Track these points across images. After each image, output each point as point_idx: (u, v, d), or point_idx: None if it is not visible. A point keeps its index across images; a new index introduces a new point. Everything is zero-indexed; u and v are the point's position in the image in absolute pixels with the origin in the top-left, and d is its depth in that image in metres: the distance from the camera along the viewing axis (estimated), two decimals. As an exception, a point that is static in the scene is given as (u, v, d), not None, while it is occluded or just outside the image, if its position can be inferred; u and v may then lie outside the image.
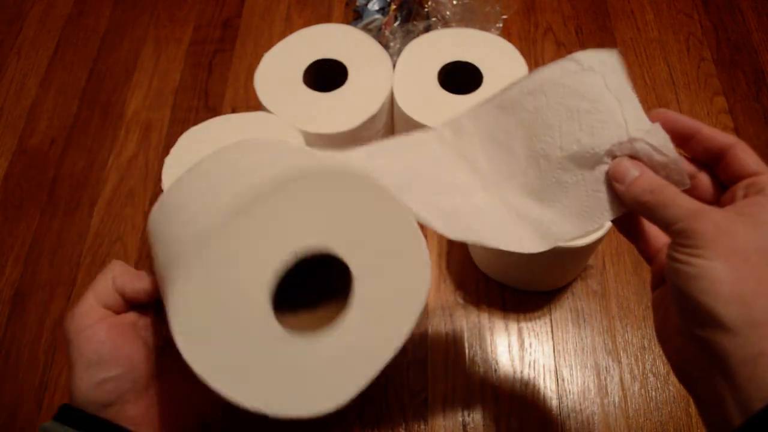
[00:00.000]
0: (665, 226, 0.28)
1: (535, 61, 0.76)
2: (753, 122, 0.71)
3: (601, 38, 0.78)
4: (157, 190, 0.68)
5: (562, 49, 0.77)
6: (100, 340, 0.32)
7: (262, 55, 0.62)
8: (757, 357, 0.24)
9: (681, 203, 0.28)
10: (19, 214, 0.67)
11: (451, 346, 0.58)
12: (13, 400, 0.56)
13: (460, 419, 0.54)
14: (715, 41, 0.77)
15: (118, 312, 0.34)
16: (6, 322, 0.60)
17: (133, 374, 0.33)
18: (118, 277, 0.34)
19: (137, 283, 0.34)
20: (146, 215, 0.66)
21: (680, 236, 0.27)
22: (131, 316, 0.35)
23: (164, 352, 0.36)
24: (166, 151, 0.57)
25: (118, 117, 0.74)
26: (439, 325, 0.59)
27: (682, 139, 0.31)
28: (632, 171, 0.30)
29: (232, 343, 0.29)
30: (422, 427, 0.54)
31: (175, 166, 0.56)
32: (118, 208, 0.67)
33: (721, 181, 0.31)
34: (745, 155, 0.30)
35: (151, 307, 0.36)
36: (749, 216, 0.27)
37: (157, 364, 0.35)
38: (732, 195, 0.30)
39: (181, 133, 0.58)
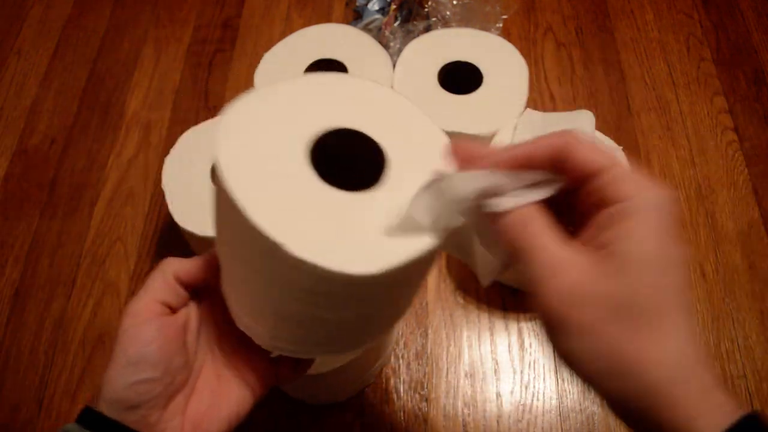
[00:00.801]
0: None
1: (534, 61, 0.76)
2: (753, 122, 0.71)
3: (602, 38, 0.78)
4: (157, 190, 0.68)
5: (562, 49, 0.77)
6: (146, 340, 0.32)
7: (262, 55, 0.62)
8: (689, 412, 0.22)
9: (537, 257, 0.25)
10: (19, 214, 0.67)
11: (451, 346, 0.58)
12: (13, 400, 0.56)
13: (460, 419, 0.54)
14: (715, 41, 0.77)
15: (174, 309, 0.34)
16: (6, 322, 0.60)
17: (168, 380, 0.32)
18: (175, 264, 0.34)
19: (192, 262, 0.35)
20: (146, 215, 0.66)
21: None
22: (182, 318, 0.34)
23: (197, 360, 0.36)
24: (166, 151, 0.57)
25: (118, 117, 0.74)
26: (439, 325, 0.59)
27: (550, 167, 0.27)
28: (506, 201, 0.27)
29: (269, 178, 0.29)
30: (422, 426, 0.54)
31: (175, 166, 0.56)
32: (118, 208, 0.67)
33: (587, 206, 0.27)
34: (617, 179, 0.25)
35: (207, 293, 0.36)
36: (610, 264, 0.24)
37: (191, 374, 0.35)
38: (597, 224, 0.26)
39: (181, 133, 0.58)
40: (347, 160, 0.33)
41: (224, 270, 0.34)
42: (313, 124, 0.32)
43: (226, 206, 0.29)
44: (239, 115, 0.31)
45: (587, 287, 0.24)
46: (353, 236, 0.29)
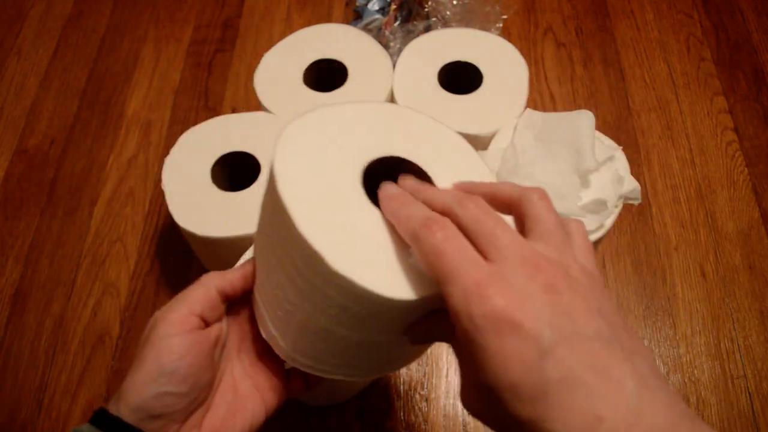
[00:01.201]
0: None
1: (535, 61, 0.76)
2: (753, 122, 0.71)
3: (602, 38, 0.78)
4: (158, 190, 0.68)
5: (562, 49, 0.77)
6: (181, 353, 0.31)
7: (262, 55, 0.62)
8: None
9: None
10: (19, 214, 0.67)
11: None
12: (13, 400, 0.56)
13: (460, 418, 0.54)
14: (715, 41, 0.77)
15: (208, 323, 0.34)
16: (6, 322, 0.60)
17: (194, 395, 0.32)
18: (217, 279, 0.34)
19: (233, 274, 0.34)
20: (146, 215, 0.66)
21: None
22: (214, 333, 0.34)
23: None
24: (166, 151, 0.57)
25: (118, 117, 0.74)
26: (439, 325, 0.59)
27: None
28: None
29: (321, 194, 0.30)
30: (422, 426, 0.54)
31: (175, 166, 0.56)
32: (118, 208, 0.67)
33: None
34: None
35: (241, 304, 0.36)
36: (479, 391, 0.26)
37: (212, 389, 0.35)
38: None
39: (181, 133, 0.58)
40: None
41: (259, 276, 0.34)
42: (367, 149, 0.33)
43: (275, 213, 0.30)
44: (298, 131, 0.32)
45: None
46: (392, 260, 0.29)
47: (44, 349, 0.59)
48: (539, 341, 0.23)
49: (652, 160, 0.69)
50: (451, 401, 0.55)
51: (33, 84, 0.77)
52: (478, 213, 0.26)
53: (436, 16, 0.72)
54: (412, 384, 0.56)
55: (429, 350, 0.58)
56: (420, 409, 0.55)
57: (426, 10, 0.72)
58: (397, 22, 0.72)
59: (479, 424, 0.54)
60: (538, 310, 0.23)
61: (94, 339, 0.59)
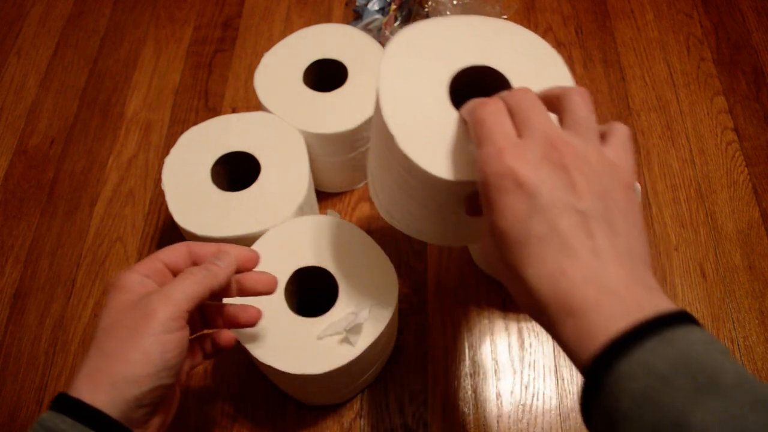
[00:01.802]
0: None
1: (535, 61, 0.76)
2: (753, 122, 0.71)
3: (601, 38, 0.78)
4: (158, 190, 0.68)
5: (562, 49, 0.77)
6: (181, 349, 0.33)
7: (262, 55, 0.62)
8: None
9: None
10: (19, 214, 0.67)
11: (451, 347, 0.58)
12: (13, 400, 0.56)
13: (460, 419, 0.54)
14: (715, 41, 0.77)
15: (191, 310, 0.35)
16: (6, 322, 0.60)
17: (170, 388, 0.34)
18: (212, 279, 0.36)
19: (220, 272, 0.37)
20: (146, 215, 0.67)
21: None
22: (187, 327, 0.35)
23: None
24: (166, 151, 0.57)
25: (118, 117, 0.74)
26: (438, 325, 0.59)
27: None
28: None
29: (411, 94, 0.37)
30: (422, 427, 0.54)
31: (175, 166, 0.56)
32: (118, 208, 0.67)
33: None
34: None
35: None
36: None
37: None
38: None
39: (181, 133, 0.58)
40: (479, 91, 0.38)
41: (370, 151, 0.44)
42: (459, 57, 0.38)
43: (377, 106, 0.37)
44: (406, 37, 0.39)
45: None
46: (453, 147, 0.35)
47: (44, 349, 0.59)
48: (533, 201, 0.27)
49: (652, 160, 0.69)
50: (451, 401, 0.55)
51: (33, 84, 0.77)
52: (522, 98, 0.31)
53: (436, 16, 0.72)
54: (412, 386, 0.56)
55: (429, 350, 0.58)
56: (420, 410, 0.55)
57: (426, 10, 0.72)
58: (397, 22, 0.72)
59: (479, 424, 0.54)
60: (540, 177, 0.28)
61: (94, 339, 0.59)
